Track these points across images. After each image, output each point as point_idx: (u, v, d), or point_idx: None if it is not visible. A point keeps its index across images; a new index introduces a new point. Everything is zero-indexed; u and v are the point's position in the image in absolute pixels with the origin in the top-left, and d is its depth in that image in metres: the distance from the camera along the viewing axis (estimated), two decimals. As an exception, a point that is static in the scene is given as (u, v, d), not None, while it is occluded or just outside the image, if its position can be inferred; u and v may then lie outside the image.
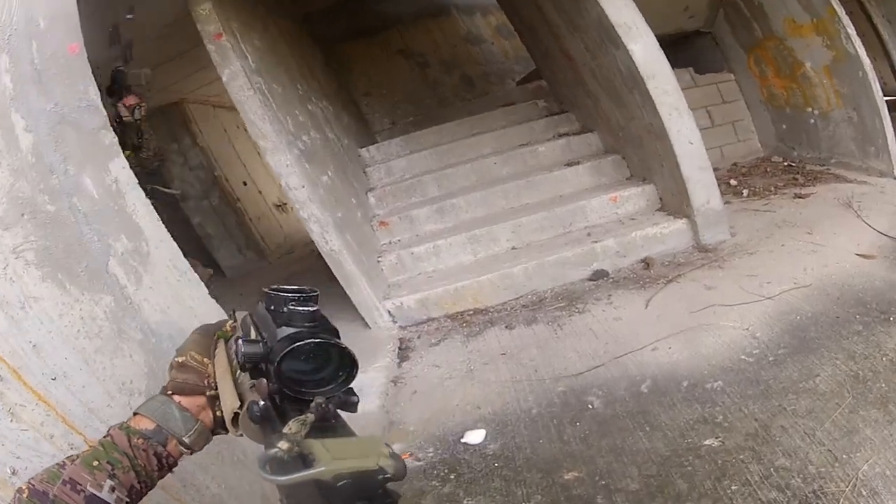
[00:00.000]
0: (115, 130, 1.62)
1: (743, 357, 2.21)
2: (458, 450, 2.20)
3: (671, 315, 2.66)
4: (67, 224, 1.32)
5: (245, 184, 6.78)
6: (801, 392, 1.92)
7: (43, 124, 1.35)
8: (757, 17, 4.11)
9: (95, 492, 0.66)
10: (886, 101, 3.54)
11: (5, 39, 1.33)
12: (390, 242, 4.04)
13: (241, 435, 0.74)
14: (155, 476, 0.75)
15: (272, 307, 0.70)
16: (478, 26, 7.47)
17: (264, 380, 0.67)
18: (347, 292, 3.39)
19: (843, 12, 3.46)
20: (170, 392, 0.79)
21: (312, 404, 0.64)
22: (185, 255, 1.79)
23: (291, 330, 0.66)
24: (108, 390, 1.23)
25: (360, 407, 0.72)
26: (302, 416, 0.60)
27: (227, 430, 0.77)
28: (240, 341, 0.68)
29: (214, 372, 0.79)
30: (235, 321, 0.88)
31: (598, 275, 3.27)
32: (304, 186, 3.23)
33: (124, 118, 3.51)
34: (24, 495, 0.65)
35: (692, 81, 4.76)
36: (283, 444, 0.55)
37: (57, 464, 0.69)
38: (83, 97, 1.51)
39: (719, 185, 3.36)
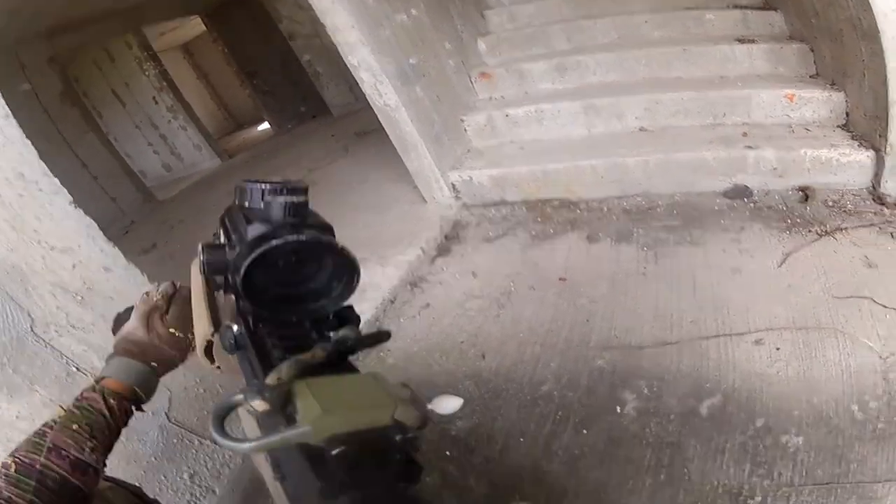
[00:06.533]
0: None
1: (854, 408, 1.49)
2: (420, 412, 1.77)
3: (806, 292, 1.91)
4: None
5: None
6: (866, 499, 1.29)
7: None
8: None
9: (79, 455, 0.68)
10: None
11: None
12: (489, 99, 3.39)
13: (219, 369, 0.62)
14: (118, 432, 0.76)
15: (246, 203, 0.52)
16: None
17: (232, 296, 0.51)
18: (402, 158, 2.89)
19: None
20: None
21: (333, 337, 0.45)
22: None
23: (266, 227, 0.48)
24: None
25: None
26: (305, 355, 0.40)
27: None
28: (199, 246, 0.52)
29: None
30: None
31: (739, 192, 2.52)
32: (353, 27, 2.64)
33: None
34: (12, 470, 0.65)
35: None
36: (257, 402, 0.35)
37: (36, 433, 0.70)
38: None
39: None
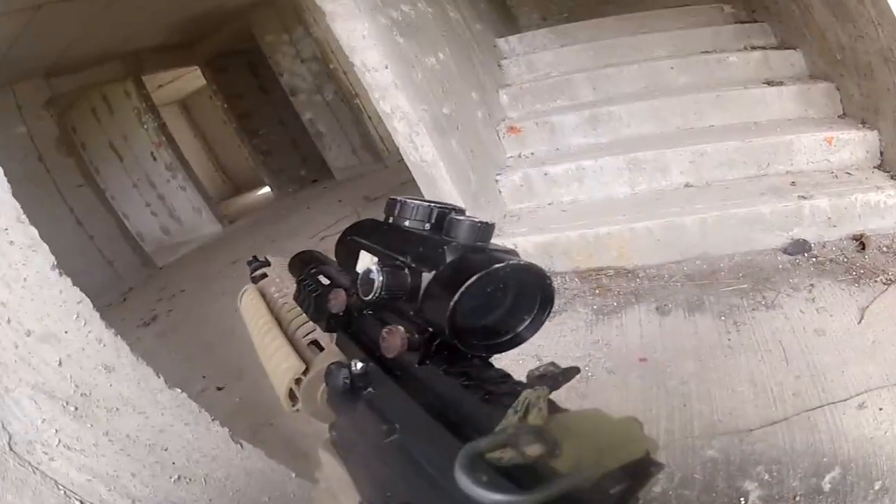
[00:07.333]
0: None
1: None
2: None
3: (890, 346, 1.89)
4: None
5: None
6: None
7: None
8: None
9: None
10: None
11: None
12: (519, 156, 3.32)
13: (297, 411, 0.59)
14: None
15: (406, 222, 0.48)
16: None
17: (400, 327, 0.43)
18: (441, 223, 2.76)
19: None
20: None
21: (535, 371, 0.38)
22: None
23: (456, 251, 0.43)
24: None
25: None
26: (530, 393, 0.34)
27: None
28: (373, 267, 0.45)
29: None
30: (261, 262, 0.77)
31: (798, 247, 2.49)
32: (387, 67, 2.41)
33: None
34: None
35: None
36: (534, 448, 0.30)
37: None
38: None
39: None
